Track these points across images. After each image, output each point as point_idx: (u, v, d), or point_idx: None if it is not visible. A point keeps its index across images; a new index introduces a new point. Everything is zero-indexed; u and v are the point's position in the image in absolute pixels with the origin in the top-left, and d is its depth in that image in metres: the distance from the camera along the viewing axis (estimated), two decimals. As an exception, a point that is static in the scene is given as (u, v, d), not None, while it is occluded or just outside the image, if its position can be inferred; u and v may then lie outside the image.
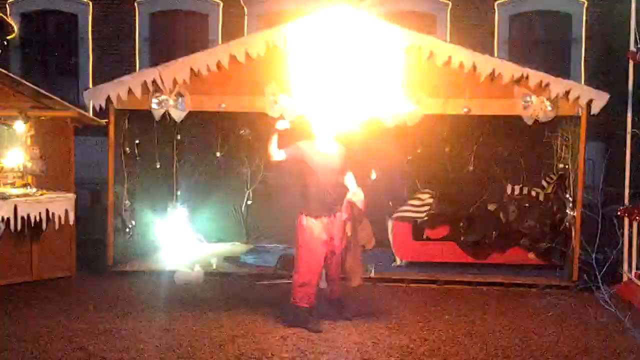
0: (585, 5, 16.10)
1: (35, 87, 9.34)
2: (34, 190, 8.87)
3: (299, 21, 9.73)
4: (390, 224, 10.45)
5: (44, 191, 8.91)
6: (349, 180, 7.71)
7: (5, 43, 14.36)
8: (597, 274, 4.72)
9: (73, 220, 9.11)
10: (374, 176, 11.47)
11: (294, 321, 7.46)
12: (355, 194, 7.61)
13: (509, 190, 10.56)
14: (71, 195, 9.04)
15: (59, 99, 9.65)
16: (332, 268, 7.64)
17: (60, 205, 8.83)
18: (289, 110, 9.52)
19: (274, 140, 7.45)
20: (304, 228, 7.47)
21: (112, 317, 7.75)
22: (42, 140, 9.35)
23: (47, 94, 9.51)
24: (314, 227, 7.42)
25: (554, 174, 10.62)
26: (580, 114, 9.30)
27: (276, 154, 7.48)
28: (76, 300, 8.52)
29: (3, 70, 9.11)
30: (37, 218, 8.56)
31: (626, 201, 9.22)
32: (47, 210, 8.67)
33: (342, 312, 7.77)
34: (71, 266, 9.58)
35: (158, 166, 11.48)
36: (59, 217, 8.82)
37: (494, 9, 16.29)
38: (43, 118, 9.35)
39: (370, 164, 11.38)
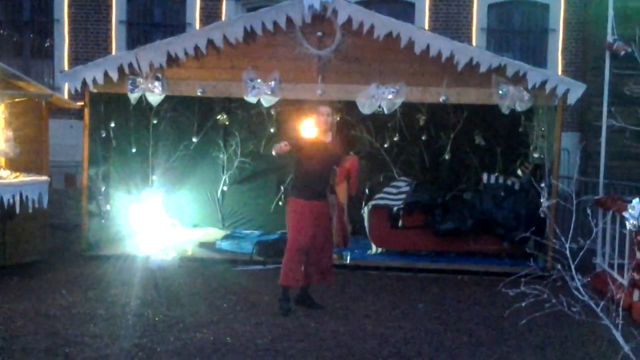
0: (563, -5, 16.15)
1: (9, 68, 9.23)
2: (7, 172, 8.77)
3: (279, 6, 9.72)
4: (366, 211, 10.45)
5: (18, 174, 8.80)
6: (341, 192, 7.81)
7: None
8: (571, 263, 4.74)
9: (46, 204, 9.02)
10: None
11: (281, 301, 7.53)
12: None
13: (484, 179, 10.60)
14: (45, 179, 8.94)
15: (33, 81, 9.54)
16: (315, 252, 7.60)
17: (34, 188, 8.72)
18: (266, 96, 9.51)
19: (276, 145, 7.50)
20: (293, 209, 7.54)
21: (85, 302, 7.69)
22: (16, 123, 9.24)
23: (21, 75, 9.42)
24: (301, 208, 7.47)
25: (529, 163, 10.67)
26: (557, 103, 9.34)
27: (282, 150, 7.43)
28: (49, 284, 8.45)
29: (-25, 52, 8.99)
30: (10, 201, 8.46)
31: (600, 191, 9.28)
32: (21, 193, 8.57)
33: (310, 301, 7.76)
34: (44, 250, 9.50)
35: (134, 150, 11.43)
36: (33, 201, 8.73)
37: (473, -2, 16.30)
38: (17, 100, 9.23)
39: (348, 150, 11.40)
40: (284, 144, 7.40)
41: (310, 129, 7.72)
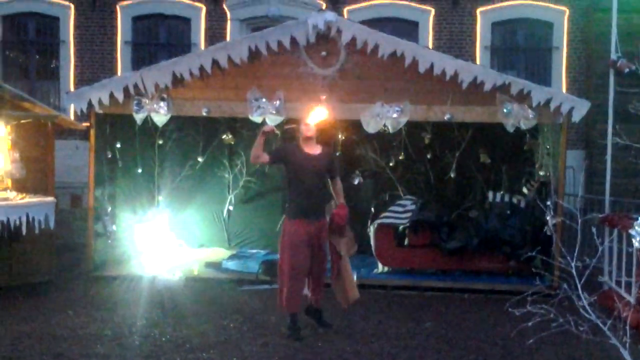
0: (567, 13, 16.18)
1: (15, 90, 9.28)
2: (14, 194, 8.79)
3: (283, 26, 9.78)
4: (372, 230, 10.45)
5: (24, 195, 8.83)
6: (337, 188, 7.67)
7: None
8: (578, 282, 4.73)
9: (53, 225, 9.03)
10: (357, 181, 11.52)
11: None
12: (339, 208, 7.60)
13: (490, 197, 10.59)
14: (51, 200, 8.96)
15: (39, 102, 9.59)
16: (314, 274, 7.57)
17: (40, 209, 8.74)
18: (271, 115, 9.54)
19: (259, 143, 7.39)
20: (288, 231, 7.40)
21: (92, 323, 7.69)
22: (23, 144, 9.27)
23: (27, 96, 9.47)
24: (298, 231, 7.32)
25: (535, 181, 10.66)
26: (562, 121, 9.35)
27: (261, 156, 7.43)
28: (55, 305, 8.46)
29: (-18, 74, 9.04)
30: (17, 222, 8.48)
31: (606, 209, 9.27)
32: (27, 215, 8.59)
33: (320, 320, 7.71)
34: (50, 271, 9.51)
35: (139, 171, 11.47)
36: (39, 222, 8.74)
37: (476, 16, 16.36)
38: (23, 121, 9.27)
39: (354, 169, 11.46)
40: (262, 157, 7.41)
41: (294, 138, 7.68)
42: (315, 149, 7.52)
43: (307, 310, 7.74)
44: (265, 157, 7.46)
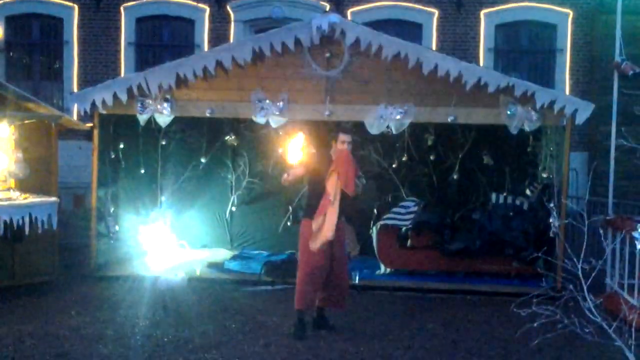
0: (571, 15, 16.20)
1: (19, 90, 9.28)
2: (17, 194, 8.79)
3: (287, 28, 9.78)
4: (375, 231, 10.44)
5: (27, 195, 8.82)
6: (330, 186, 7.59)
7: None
8: (583, 284, 4.72)
9: (56, 225, 9.02)
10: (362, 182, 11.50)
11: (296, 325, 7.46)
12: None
13: (493, 199, 10.58)
14: (54, 200, 8.95)
15: (42, 103, 9.59)
16: (329, 276, 7.50)
17: (43, 209, 8.72)
18: (275, 116, 9.54)
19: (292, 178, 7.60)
20: (306, 232, 7.43)
21: (94, 323, 7.69)
22: (26, 144, 9.25)
23: (31, 97, 9.45)
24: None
25: (538, 183, 10.65)
26: (565, 123, 9.33)
27: (292, 178, 7.61)
28: (58, 305, 8.45)
29: (-14, 74, 9.04)
30: (20, 222, 8.47)
31: (610, 211, 9.25)
32: (30, 215, 8.57)
33: (324, 322, 7.71)
34: (53, 271, 9.50)
35: (142, 171, 11.47)
36: (42, 222, 8.73)
37: (480, 18, 16.37)
38: (27, 122, 9.26)
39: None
40: (290, 176, 7.49)
41: (320, 151, 7.69)
42: (329, 153, 7.60)
43: (318, 311, 7.74)
44: (295, 173, 7.61)
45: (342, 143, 7.44)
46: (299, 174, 7.60)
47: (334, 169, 7.33)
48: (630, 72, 9.01)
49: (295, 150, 7.78)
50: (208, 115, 9.78)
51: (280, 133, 11.19)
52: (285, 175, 7.67)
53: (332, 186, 7.33)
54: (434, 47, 15.41)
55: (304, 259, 7.43)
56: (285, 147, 8.35)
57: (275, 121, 9.62)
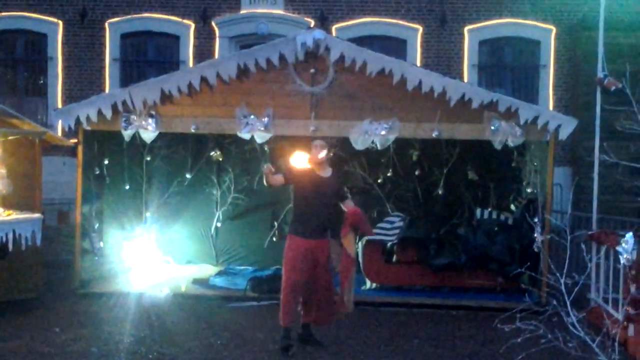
0: (554, 32, 16.33)
1: (3, 107, 9.26)
2: (1, 210, 8.74)
3: (272, 44, 9.81)
4: (360, 246, 10.43)
5: (10, 211, 8.78)
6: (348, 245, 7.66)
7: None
8: (566, 299, 4.74)
9: (40, 241, 8.97)
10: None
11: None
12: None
13: (478, 214, 10.61)
14: (38, 216, 8.92)
15: (26, 119, 9.56)
16: (313, 293, 7.53)
17: (27, 226, 8.69)
18: (260, 132, 9.55)
19: (266, 175, 7.47)
20: (288, 246, 7.46)
21: (79, 340, 7.63)
22: (10, 160, 9.22)
23: (15, 113, 9.43)
24: (298, 247, 7.38)
25: (522, 198, 10.69)
26: (549, 139, 9.39)
27: (276, 182, 7.52)
28: (42, 322, 8.40)
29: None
30: (4, 239, 8.42)
31: (594, 226, 9.30)
32: (14, 231, 8.53)
33: (310, 338, 7.69)
34: (37, 288, 9.43)
35: (127, 187, 11.44)
36: (26, 238, 8.69)
37: (464, 34, 16.47)
38: (11, 138, 9.23)
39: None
40: (268, 169, 7.43)
41: (303, 161, 7.69)
42: (326, 172, 7.59)
43: (302, 327, 7.73)
44: (280, 179, 7.54)
45: (315, 147, 7.50)
46: (279, 183, 7.57)
47: (349, 229, 7.45)
48: (613, 88, 9.07)
49: (293, 160, 7.79)
50: (193, 131, 9.78)
51: (266, 148, 11.22)
52: (270, 176, 7.49)
53: (350, 245, 7.49)
54: (418, 63, 15.48)
55: (285, 276, 7.43)
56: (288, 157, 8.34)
57: (260, 137, 9.63)
